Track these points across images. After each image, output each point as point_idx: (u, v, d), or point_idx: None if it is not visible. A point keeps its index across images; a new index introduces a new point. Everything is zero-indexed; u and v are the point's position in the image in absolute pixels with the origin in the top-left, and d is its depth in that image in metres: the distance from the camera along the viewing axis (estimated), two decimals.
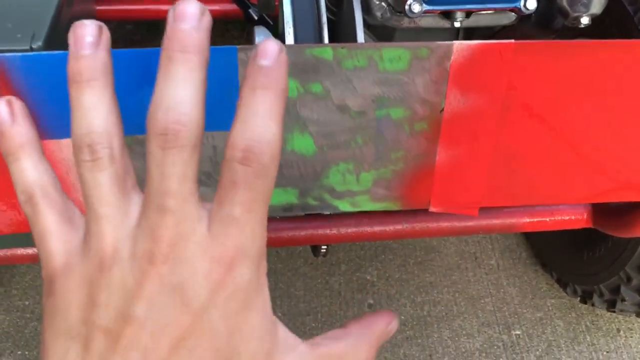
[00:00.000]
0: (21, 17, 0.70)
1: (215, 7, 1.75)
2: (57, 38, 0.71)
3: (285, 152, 0.65)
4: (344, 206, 0.72)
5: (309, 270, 1.62)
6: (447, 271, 1.65)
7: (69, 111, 0.61)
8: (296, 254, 1.66)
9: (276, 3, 1.01)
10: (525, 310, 1.56)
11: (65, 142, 0.62)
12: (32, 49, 0.64)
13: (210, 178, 0.65)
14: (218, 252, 0.33)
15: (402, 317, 1.53)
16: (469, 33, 0.97)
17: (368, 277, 1.61)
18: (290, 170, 0.67)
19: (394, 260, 1.67)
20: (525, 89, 0.66)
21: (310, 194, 0.70)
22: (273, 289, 1.57)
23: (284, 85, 0.34)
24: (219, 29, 2.46)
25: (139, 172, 0.64)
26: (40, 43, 0.65)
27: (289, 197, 0.69)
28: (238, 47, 0.58)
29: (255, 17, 1.56)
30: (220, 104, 0.62)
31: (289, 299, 1.56)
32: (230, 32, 2.44)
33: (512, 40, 0.61)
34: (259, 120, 0.33)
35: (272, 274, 1.60)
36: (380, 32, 0.95)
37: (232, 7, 1.67)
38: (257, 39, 0.87)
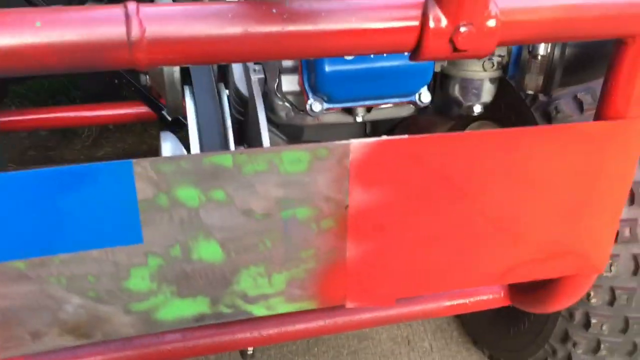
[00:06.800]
0: None
1: (130, 110, 1.75)
2: None
3: (191, 261, 0.63)
4: (259, 310, 0.70)
5: None
6: (382, 358, 1.62)
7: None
8: (225, 356, 1.59)
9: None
10: None
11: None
12: None
13: (111, 296, 0.61)
14: None
15: None
16: (375, 124, 1.00)
17: None
18: (198, 280, 0.65)
19: (327, 352, 1.63)
20: (429, 178, 0.68)
21: (222, 301, 0.67)
22: None
23: None
24: (136, 130, 2.45)
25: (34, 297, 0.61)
26: None
27: (200, 307, 0.67)
28: (133, 161, 0.57)
29: (169, 119, 1.56)
30: (119, 218, 0.60)
31: None
32: (148, 131, 2.43)
33: (406, 136, 0.63)
34: None
35: None
36: (288, 130, 0.97)
37: (146, 110, 1.67)
38: (163, 145, 0.86)
